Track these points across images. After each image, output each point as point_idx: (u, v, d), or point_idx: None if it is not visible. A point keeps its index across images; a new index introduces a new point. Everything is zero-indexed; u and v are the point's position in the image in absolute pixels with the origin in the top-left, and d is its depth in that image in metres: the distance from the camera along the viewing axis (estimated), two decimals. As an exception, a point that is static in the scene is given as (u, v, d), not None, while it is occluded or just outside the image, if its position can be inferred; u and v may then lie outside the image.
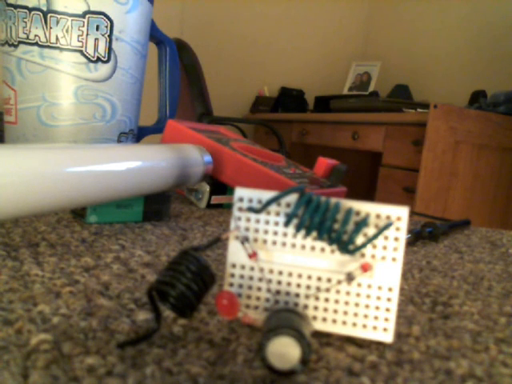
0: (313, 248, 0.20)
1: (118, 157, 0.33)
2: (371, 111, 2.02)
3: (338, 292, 0.20)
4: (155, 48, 2.45)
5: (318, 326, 0.20)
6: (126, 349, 0.18)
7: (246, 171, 0.49)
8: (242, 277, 0.21)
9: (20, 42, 0.49)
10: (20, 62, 0.49)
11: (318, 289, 0.20)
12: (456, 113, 1.65)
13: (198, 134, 0.52)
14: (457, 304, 0.28)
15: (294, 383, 0.17)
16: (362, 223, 0.20)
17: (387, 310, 0.20)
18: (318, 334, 0.21)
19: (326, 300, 0.20)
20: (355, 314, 0.20)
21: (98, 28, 0.49)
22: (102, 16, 0.49)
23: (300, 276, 0.20)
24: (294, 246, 0.20)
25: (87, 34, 0.49)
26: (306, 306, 0.20)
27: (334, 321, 0.20)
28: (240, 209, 0.21)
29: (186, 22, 2.72)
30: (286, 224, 0.20)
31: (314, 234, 0.20)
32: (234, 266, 0.21)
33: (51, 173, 0.27)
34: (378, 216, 0.20)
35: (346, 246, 0.20)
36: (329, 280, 0.20)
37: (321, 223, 0.20)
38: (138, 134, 0.64)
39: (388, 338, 0.20)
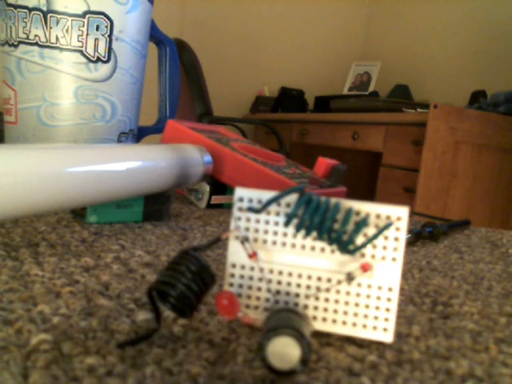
0: (313, 248, 0.20)
1: (118, 157, 0.33)
2: (371, 111, 2.02)
3: (338, 292, 0.20)
4: (155, 48, 2.44)
5: (318, 326, 0.20)
6: (126, 349, 0.18)
7: (246, 171, 0.49)
8: (242, 277, 0.21)
9: (20, 42, 0.49)
10: (20, 62, 0.49)
11: (318, 289, 0.20)
12: (456, 113, 1.65)
13: (198, 134, 0.52)
14: (457, 304, 0.28)
15: (294, 383, 0.17)
16: (362, 223, 0.20)
17: (387, 310, 0.20)
18: (318, 334, 0.21)
19: (326, 300, 0.20)
20: (355, 314, 0.20)
21: (98, 28, 0.49)
22: (102, 16, 0.49)
23: (300, 276, 0.20)
24: (293, 246, 0.20)
25: (87, 34, 0.49)
26: (306, 306, 0.20)
27: (334, 321, 0.20)
28: (240, 209, 0.21)
29: (185, 22, 2.72)
30: (286, 224, 0.20)
31: (314, 234, 0.20)
32: (234, 265, 0.21)
33: (51, 173, 0.27)
34: (378, 216, 0.20)
35: (346, 245, 0.20)
36: (329, 280, 0.20)
37: (321, 223, 0.20)
38: (138, 134, 0.64)
39: (388, 338, 0.20)
